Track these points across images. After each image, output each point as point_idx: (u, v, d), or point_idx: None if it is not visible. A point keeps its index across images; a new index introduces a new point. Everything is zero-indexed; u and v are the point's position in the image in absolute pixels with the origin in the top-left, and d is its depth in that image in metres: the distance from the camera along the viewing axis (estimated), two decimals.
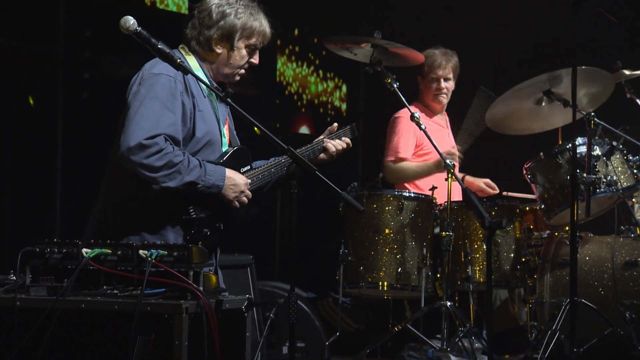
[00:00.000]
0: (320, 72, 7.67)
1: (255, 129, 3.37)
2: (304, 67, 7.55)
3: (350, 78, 7.80)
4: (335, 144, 3.96)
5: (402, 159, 5.67)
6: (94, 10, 5.74)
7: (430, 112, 5.86)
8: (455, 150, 5.50)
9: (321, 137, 4.02)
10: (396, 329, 5.20)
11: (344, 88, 7.85)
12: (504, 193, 5.77)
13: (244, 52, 3.77)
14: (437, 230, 5.30)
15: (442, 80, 5.77)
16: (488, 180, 5.86)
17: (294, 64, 7.50)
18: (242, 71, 3.81)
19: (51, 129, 5.73)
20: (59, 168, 5.74)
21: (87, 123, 5.73)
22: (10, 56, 5.60)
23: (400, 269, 5.21)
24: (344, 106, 7.86)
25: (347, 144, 4.00)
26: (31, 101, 5.66)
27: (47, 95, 5.71)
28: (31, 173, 5.67)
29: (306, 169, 3.36)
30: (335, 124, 4.05)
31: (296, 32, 7.40)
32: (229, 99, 3.54)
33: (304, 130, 7.63)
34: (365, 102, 7.86)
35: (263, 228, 6.89)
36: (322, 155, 3.96)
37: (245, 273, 4.93)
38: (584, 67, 5.10)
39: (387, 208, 5.27)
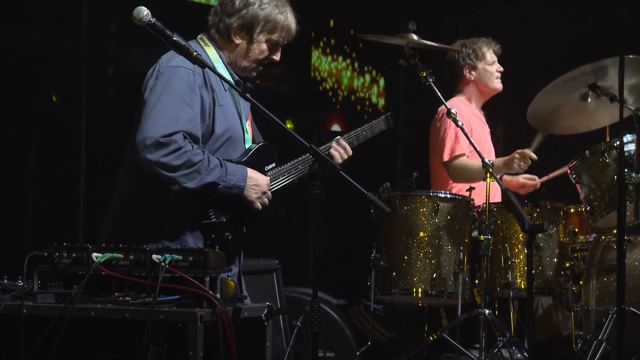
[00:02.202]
0: (357, 66, 7.55)
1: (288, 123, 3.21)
2: (340, 60, 7.44)
3: (389, 72, 7.67)
4: (342, 154, 3.77)
5: (460, 155, 5.47)
6: (119, 3, 5.68)
7: (478, 105, 5.67)
8: (529, 152, 5.27)
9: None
10: (431, 338, 5.12)
11: (382, 83, 7.74)
12: (545, 178, 5.61)
13: (264, 46, 3.62)
14: (474, 233, 5.19)
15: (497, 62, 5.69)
16: (526, 175, 5.70)
17: (329, 58, 7.40)
18: (261, 67, 3.67)
19: (74, 128, 5.76)
20: (82, 168, 5.76)
21: (111, 121, 5.74)
22: (32, 51, 5.60)
23: (435, 274, 5.10)
24: (381, 102, 7.75)
25: (349, 155, 3.79)
26: (54, 99, 5.62)
27: (70, 92, 5.70)
28: (54, 174, 5.68)
29: (330, 168, 3.20)
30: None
31: (331, 24, 7.29)
32: (247, 94, 3.37)
33: (336, 128, 7.53)
34: (405, 97, 7.73)
35: (295, 231, 6.77)
36: None
37: (270, 278, 4.90)
38: (631, 56, 4.94)
39: (421, 210, 5.15)
